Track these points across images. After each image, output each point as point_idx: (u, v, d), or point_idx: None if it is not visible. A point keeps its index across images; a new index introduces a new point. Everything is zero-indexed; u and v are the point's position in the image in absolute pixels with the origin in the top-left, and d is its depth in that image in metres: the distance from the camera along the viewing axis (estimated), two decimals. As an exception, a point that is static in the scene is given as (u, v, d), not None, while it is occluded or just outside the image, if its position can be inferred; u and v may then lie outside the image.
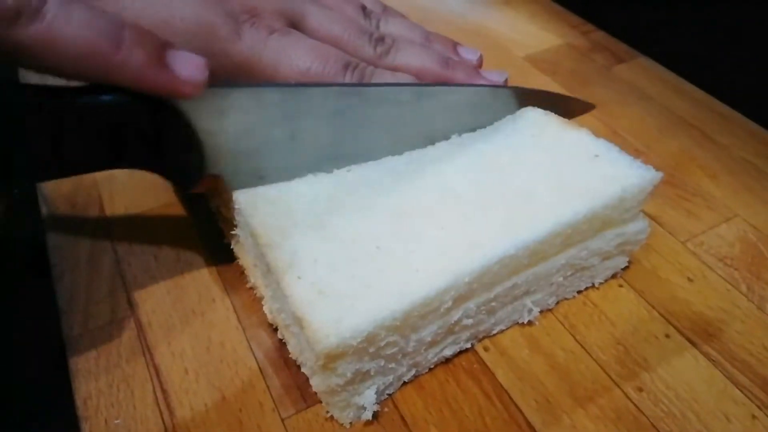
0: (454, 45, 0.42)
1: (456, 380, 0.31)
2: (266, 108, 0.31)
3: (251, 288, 0.35)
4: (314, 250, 0.29)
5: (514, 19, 0.59)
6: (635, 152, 0.44)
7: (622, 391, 0.31)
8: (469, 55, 0.41)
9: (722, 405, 0.30)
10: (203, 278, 0.36)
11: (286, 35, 0.35)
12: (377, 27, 0.40)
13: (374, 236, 0.30)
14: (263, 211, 0.31)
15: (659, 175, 0.33)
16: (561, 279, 0.33)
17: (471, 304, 0.30)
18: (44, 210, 0.40)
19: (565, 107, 0.42)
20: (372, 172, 0.34)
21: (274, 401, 0.30)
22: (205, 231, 0.38)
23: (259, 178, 0.33)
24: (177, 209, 0.40)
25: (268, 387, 0.31)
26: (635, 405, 0.30)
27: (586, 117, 0.47)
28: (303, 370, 0.31)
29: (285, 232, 0.30)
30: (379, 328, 0.26)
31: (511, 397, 0.30)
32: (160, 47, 0.27)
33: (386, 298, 0.27)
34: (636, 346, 0.32)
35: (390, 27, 0.41)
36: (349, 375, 0.27)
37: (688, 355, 0.32)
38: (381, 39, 0.38)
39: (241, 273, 0.35)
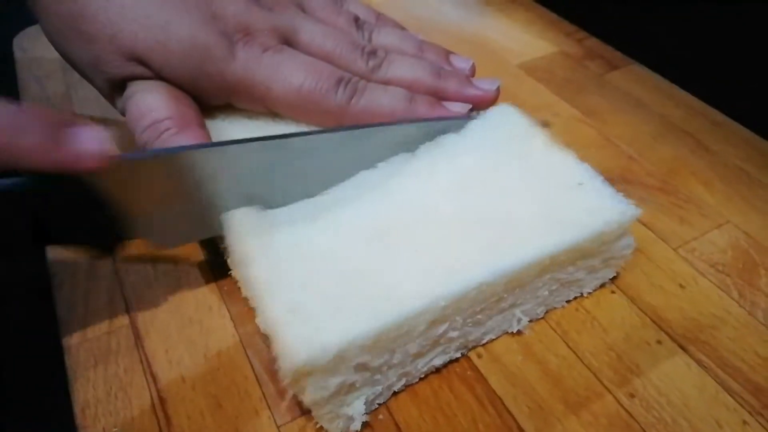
0: (447, 54, 0.42)
1: (450, 387, 0.31)
2: (180, 173, 0.31)
3: (246, 298, 0.35)
4: (290, 268, 0.29)
5: (508, 27, 0.60)
6: (629, 159, 0.45)
7: (614, 398, 0.31)
8: (462, 63, 0.42)
9: (714, 411, 0.30)
10: (200, 287, 0.36)
11: (279, 52, 0.36)
12: (370, 39, 0.41)
13: (350, 256, 0.30)
14: (244, 228, 0.31)
15: (639, 211, 0.33)
16: (547, 293, 0.33)
17: (457, 318, 0.30)
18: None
19: None
20: (353, 190, 0.34)
21: (270, 409, 0.30)
22: (202, 241, 0.39)
23: (186, 238, 0.34)
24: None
25: (264, 395, 0.31)
26: (627, 411, 0.30)
27: (579, 125, 0.48)
28: None
29: (262, 250, 0.30)
30: (349, 348, 0.26)
31: (504, 404, 0.31)
32: (57, 125, 0.26)
33: (357, 318, 0.27)
34: (628, 353, 0.33)
35: (382, 38, 0.41)
36: (332, 388, 0.27)
37: (679, 361, 0.32)
38: (373, 52, 0.39)
39: (237, 282, 0.35)
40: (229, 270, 0.36)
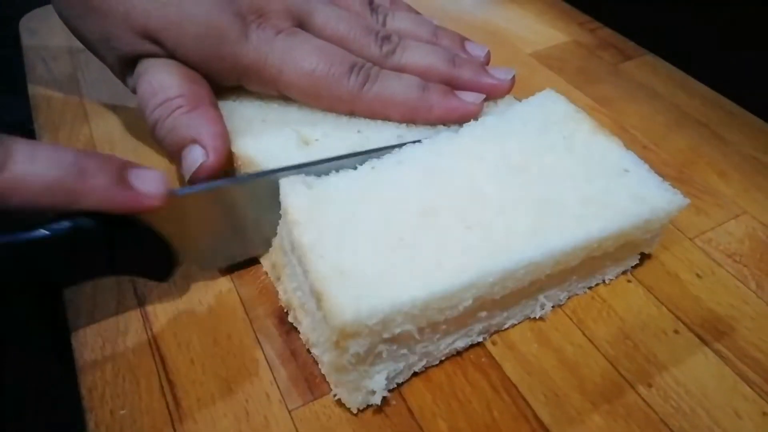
0: (462, 40, 0.41)
1: (464, 373, 0.31)
2: (226, 203, 0.32)
3: (263, 275, 0.35)
4: (340, 234, 0.29)
5: (521, 16, 0.59)
6: (643, 149, 0.44)
7: (631, 387, 0.30)
8: (477, 51, 0.41)
9: (732, 401, 0.30)
10: (210, 270, 0.35)
11: (292, 35, 0.35)
12: (384, 23, 0.40)
13: (399, 228, 0.30)
14: (298, 192, 0.31)
15: (686, 201, 0.33)
16: (575, 278, 0.33)
17: (497, 297, 0.30)
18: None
19: None
20: (399, 168, 0.33)
21: (281, 393, 0.30)
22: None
23: (231, 259, 0.35)
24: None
25: (275, 378, 0.30)
26: (644, 401, 0.30)
27: (593, 114, 0.47)
28: (313, 351, 0.30)
29: (314, 215, 0.30)
30: (397, 313, 0.26)
31: (519, 391, 0.30)
32: (121, 168, 0.28)
33: (408, 285, 0.27)
34: (645, 342, 0.32)
35: (397, 22, 0.40)
36: (361, 353, 0.27)
37: (697, 351, 0.32)
38: (387, 37, 0.38)
39: (249, 264, 0.35)
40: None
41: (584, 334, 0.33)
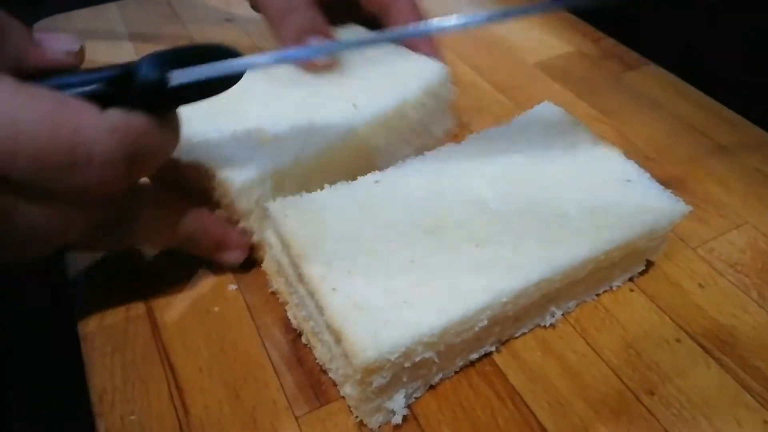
0: None
1: (468, 382, 0.31)
2: None
3: (272, 292, 0.35)
4: (348, 261, 0.29)
5: (525, 27, 0.60)
6: (646, 159, 0.44)
7: (634, 395, 0.31)
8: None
9: (734, 410, 0.30)
10: (218, 277, 0.36)
11: None
12: None
13: (408, 249, 0.30)
14: (294, 219, 0.30)
15: (688, 208, 0.33)
16: (584, 288, 0.34)
17: (510, 314, 0.30)
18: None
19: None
20: (401, 182, 0.33)
21: (288, 399, 0.30)
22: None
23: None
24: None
25: (282, 385, 0.31)
26: (647, 409, 0.30)
27: (596, 124, 0.48)
28: (331, 375, 0.31)
29: (318, 242, 0.29)
30: (417, 344, 0.26)
31: (523, 399, 0.30)
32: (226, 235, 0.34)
33: (425, 314, 0.27)
34: (647, 351, 0.33)
35: None
36: (384, 384, 0.27)
37: (699, 360, 0.32)
38: None
39: (256, 272, 0.35)
40: (255, 263, 0.36)
41: (587, 342, 0.33)
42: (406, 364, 0.27)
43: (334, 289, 0.27)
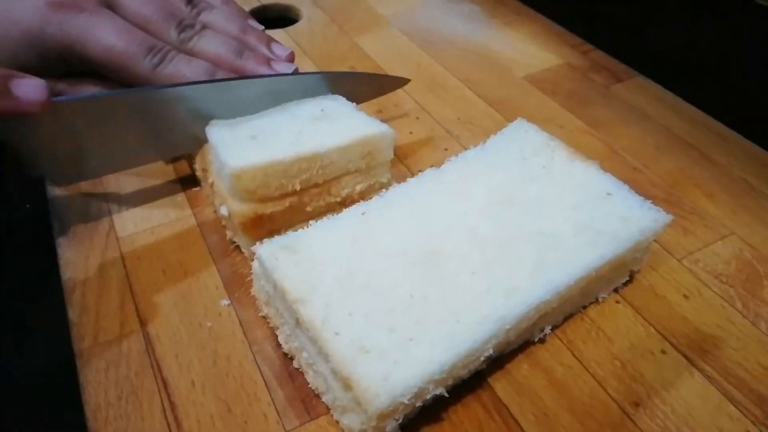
0: (269, 41, 0.44)
1: (456, 395, 0.32)
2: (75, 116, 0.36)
3: (263, 317, 0.35)
4: (347, 301, 0.29)
5: (514, 39, 0.60)
6: (633, 170, 0.45)
7: (619, 407, 0.31)
8: (281, 51, 0.43)
9: (717, 420, 0.31)
10: (210, 292, 0.37)
11: (95, 15, 0.37)
12: (197, 14, 0.43)
13: (406, 282, 0.30)
14: (285, 262, 0.30)
15: (670, 217, 0.34)
16: (573, 302, 0.34)
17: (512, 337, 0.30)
18: (56, 225, 0.41)
19: (379, 84, 0.47)
20: (387, 212, 0.33)
21: (278, 414, 0.31)
22: (213, 246, 0.39)
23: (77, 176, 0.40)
24: (185, 224, 0.41)
25: (272, 400, 0.31)
26: (632, 420, 0.31)
27: (584, 136, 0.48)
28: (325, 400, 0.30)
29: (313, 285, 0.29)
30: (429, 382, 0.26)
31: (510, 412, 0.31)
32: (4, 78, 0.31)
33: (431, 351, 0.27)
34: (633, 362, 0.33)
35: (210, 16, 0.43)
36: (396, 424, 0.27)
37: (684, 371, 0.33)
38: (191, 26, 0.41)
39: (249, 289, 0.36)
40: (239, 273, 0.36)
41: (574, 354, 0.34)
42: (418, 403, 0.27)
43: (337, 334, 0.27)
